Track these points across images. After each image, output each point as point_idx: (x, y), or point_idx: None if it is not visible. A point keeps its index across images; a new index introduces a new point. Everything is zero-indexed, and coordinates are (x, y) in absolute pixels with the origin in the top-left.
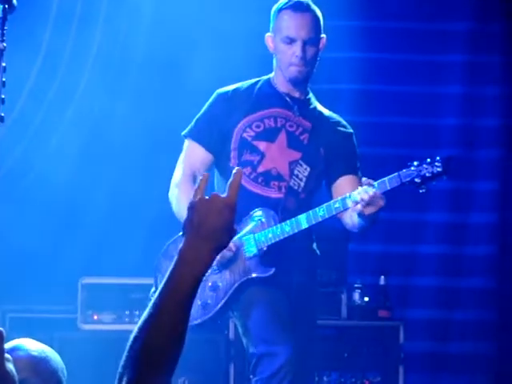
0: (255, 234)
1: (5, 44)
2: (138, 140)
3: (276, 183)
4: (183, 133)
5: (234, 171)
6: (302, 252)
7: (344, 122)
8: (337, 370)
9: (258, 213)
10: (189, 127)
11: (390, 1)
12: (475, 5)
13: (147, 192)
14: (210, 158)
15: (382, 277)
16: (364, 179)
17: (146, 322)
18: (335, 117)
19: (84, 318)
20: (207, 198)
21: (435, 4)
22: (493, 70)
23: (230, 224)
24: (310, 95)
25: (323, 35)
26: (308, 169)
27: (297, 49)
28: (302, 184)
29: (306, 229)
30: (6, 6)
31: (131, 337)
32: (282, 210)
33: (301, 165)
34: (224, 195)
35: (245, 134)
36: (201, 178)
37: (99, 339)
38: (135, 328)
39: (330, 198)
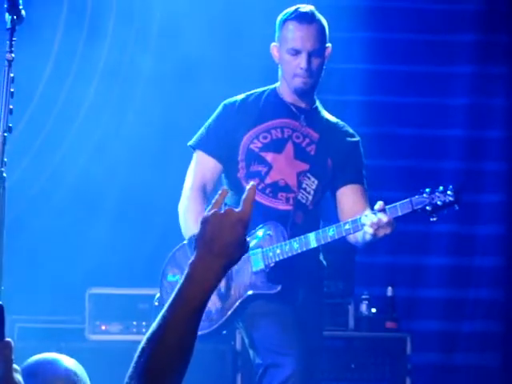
0: (263, 248)
1: (13, 55)
2: (145, 151)
3: (284, 194)
4: (190, 143)
5: (247, 187)
6: (309, 264)
7: (351, 131)
8: (344, 382)
9: (266, 226)
10: (196, 138)
11: (397, 12)
12: (482, 16)
13: (154, 202)
14: (220, 168)
15: (390, 288)
16: (378, 204)
17: (153, 334)
18: (342, 125)
19: (92, 328)
20: (221, 212)
21: (442, 15)
22: (500, 83)
23: (243, 239)
24: (317, 104)
25: (329, 44)
26: (316, 181)
27: (302, 60)
28: (310, 197)
29: None
30: (15, 17)
31: (139, 347)
32: (291, 226)
33: (309, 178)
34: (238, 210)
35: (252, 146)
36: (220, 192)
37: (107, 349)
38: (143, 338)
39: (334, 204)
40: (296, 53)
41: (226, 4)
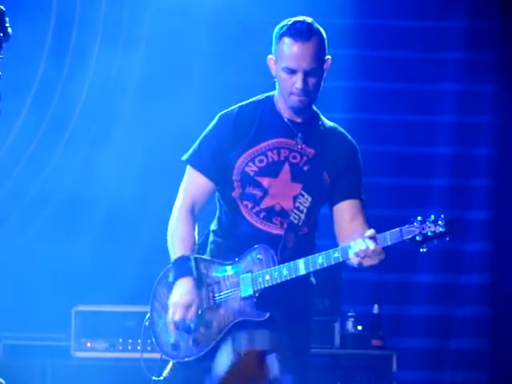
0: (253, 273)
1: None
2: (134, 167)
3: (279, 219)
4: (184, 158)
5: None
6: (299, 285)
7: (349, 138)
8: None
9: (257, 250)
10: (190, 152)
11: (384, 30)
12: (468, 35)
13: (141, 219)
14: (212, 186)
15: (376, 305)
16: (369, 232)
17: None
18: (340, 133)
19: (77, 345)
20: None
21: (430, 34)
22: (487, 100)
23: None
24: (314, 112)
25: (328, 56)
26: (310, 198)
27: (298, 80)
28: (303, 216)
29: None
30: (1, 34)
31: None
32: (282, 249)
33: (302, 195)
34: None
35: (247, 169)
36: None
37: (92, 367)
38: None
39: (331, 217)
40: (291, 72)
41: (215, 20)
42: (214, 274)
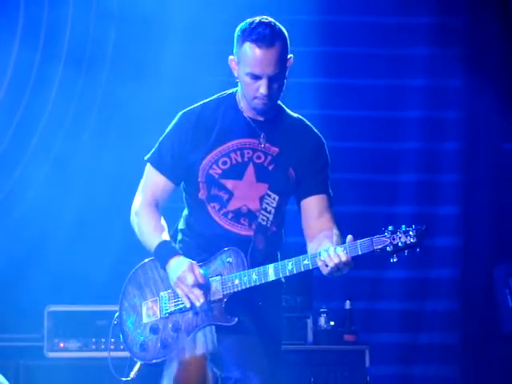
0: (222, 276)
1: None
2: (103, 167)
3: (247, 220)
4: (146, 157)
5: None
6: (268, 284)
7: (315, 131)
8: None
9: (227, 252)
10: (152, 152)
11: (351, 26)
12: (435, 30)
13: (112, 219)
14: (172, 186)
15: (348, 301)
16: (335, 239)
17: None
18: (305, 125)
19: (50, 345)
20: None
21: (397, 29)
22: (453, 95)
23: None
24: (279, 106)
25: (290, 55)
26: (276, 197)
27: (262, 86)
28: (271, 217)
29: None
30: None
31: None
32: (252, 251)
33: (269, 195)
34: None
35: (211, 171)
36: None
37: (66, 367)
38: None
39: (299, 213)
40: (255, 77)
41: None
42: None
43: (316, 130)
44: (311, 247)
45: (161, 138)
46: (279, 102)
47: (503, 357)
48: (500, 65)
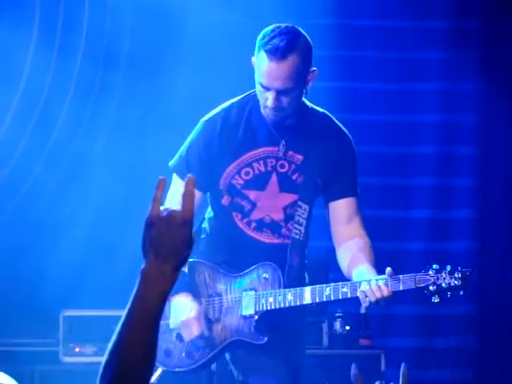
0: (257, 292)
1: None
2: (120, 172)
3: (269, 230)
4: (170, 164)
5: (185, 180)
6: (297, 306)
7: (341, 128)
8: None
9: (263, 267)
10: (176, 160)
11: (367, 31)
12: (451, 35)
13: (128, 223)
14: (201, 195)
15: (363, 306)
16: (386, 271)
17: (116, 344)
18: (330, 122)
19: (66, 350)
20: (164, 214)
21: (412, 33)
22: (469, 99)
23: (190, 238)
24: (304, 105)
25: (314, 68)
26: (307, 207)
27: (270, 98)
28: (303, 229)
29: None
30: None
31: (103, 363)
32: (288, 269)
33: (300, 206)
34: (180, 210)
35: (234, 181)
36: (158, 185)
37: (81, 372)
38: (106, 353)
39: (327, 215)
40: (265, 88)
41: (198, 26)
42: (217, 285)
43: (342, 127)
44: (342, 256)
45: (184, 147)
46: (304, 102)
47: None
48: None
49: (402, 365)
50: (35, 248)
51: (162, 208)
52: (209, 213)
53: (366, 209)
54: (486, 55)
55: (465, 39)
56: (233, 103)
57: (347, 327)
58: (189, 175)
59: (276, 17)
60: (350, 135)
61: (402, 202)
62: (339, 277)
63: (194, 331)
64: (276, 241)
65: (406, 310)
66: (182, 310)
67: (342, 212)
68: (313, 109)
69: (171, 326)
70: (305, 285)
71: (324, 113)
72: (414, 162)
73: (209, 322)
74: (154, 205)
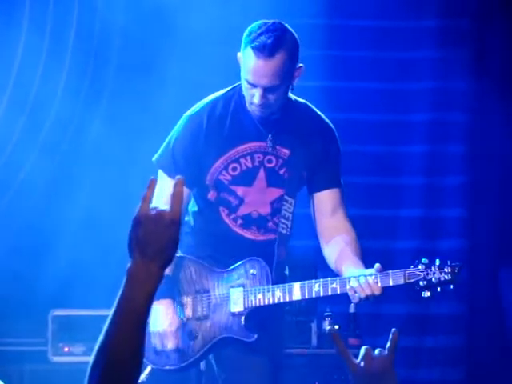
0: (245, 288)
1: None
2: (112, 170)
3: (256, 225)
4: (154, 159)
5: (175, 181)
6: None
7: (323, 118)
8: None
9: (251, 263)
10: (160, 155)
11: (356, 30)
12: (442, 31)
13: (119, 222)
14: (187, 192)
15: (352, 305)
16: (375, 267)
17: (103, 344)
18: (312, 113)
19: (55, 350)
20: (153, 213)
21: (403, 32)
22: (459, 95)
23: (176, 238)
24: (288, 99)
25: (300, 65)
26: (293, 201)
27: (256, 95)
28: (289, 224)
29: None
30: None
31: (90, 363)
32: (276, 265)
33: (286, 200)
34: (169, 210)
35: (221, 177)
36: (148, 185)
37: (70, 371)
38: (93, 353)
39: (311, 206)
40: (251, 85)
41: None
42: (204, 281)
43: (324, 117)
44: (329, 252)
45: (169, 142)
46: (289, 95)
47: (509, 360)
48: (508, 67)
49: (393, 330)
50: (24, 247)
51: (150, 207)
52: (192, 206)
53: (357, 207)
54: (478, 54)
55: (457, 38)
56: (217, 97)
57: (336, 326)
58: (178, 176)
59: (267, 16)
60: (332, 125)
61: (392, 201)
62: (329, 275)
63: (168, 345)
64: (261, 237)
65: (396, 309)
66: (161, 321)
67: (326, 203)
68: (296, 101)
69: (150, 329)
70: (287, 278)
71: (305, 103)
72: (404, 160)
73: (197, 320)
74: (142, 204)
